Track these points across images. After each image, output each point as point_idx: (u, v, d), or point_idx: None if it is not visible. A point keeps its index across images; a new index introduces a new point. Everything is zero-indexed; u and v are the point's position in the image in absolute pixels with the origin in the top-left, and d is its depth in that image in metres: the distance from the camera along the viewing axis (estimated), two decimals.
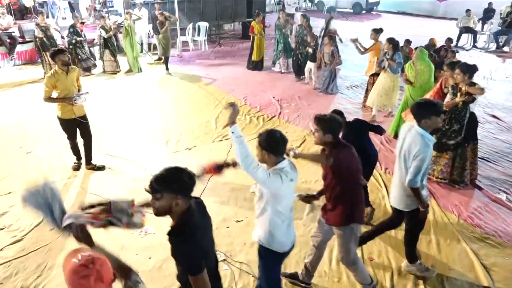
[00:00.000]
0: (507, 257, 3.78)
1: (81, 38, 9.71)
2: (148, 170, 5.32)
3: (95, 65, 10.12)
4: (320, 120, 2.81)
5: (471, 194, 4.84)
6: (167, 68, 10.06)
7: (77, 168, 5.33)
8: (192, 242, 1.93)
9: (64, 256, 1.61)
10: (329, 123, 2.80)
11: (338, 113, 3.47)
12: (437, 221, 4.29)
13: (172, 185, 1.94)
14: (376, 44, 7.69)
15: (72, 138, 5.21)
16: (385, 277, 3.52)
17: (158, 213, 2.03)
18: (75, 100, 4.82)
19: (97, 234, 4.21)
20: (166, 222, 4.53)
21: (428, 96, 5.22)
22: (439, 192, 4.86)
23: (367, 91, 7.42)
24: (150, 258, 3.75)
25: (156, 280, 3.49)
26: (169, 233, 1.98)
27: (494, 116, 7.34)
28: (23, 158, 5.66)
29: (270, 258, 2.71)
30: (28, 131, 6.56)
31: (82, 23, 10.24)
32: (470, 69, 4.57)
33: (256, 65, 10.55)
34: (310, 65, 9.01)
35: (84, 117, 5.10)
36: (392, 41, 6.59)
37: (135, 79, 9.69)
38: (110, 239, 3.96)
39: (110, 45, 9.92)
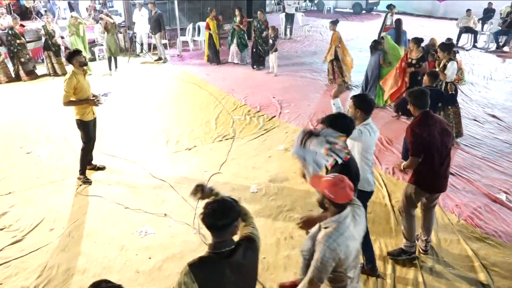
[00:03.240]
0: (507, 257, 3.78)
1: (22, 41, 9.39)
2: (148, 170, 5.33)
3: (35, 67, 9.83)
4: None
5: (471, 194, 4.84)
6: (110, 68, 10.14)
7: (89, 182, 5.02)
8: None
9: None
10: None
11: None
12: (437, 221, 4.29)
13: None
14: (335, 34, 8.87)
15: (91, 142, 5.04)
16: (386, 277, 3.52)
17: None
18: (99, 100, 4.75)
19: (97, 234, 4.22)
20: (166, 222, 4.55)
21: (397, 65, 6.81)
22: None
23: (330, 73, 9.18)
24: (150, 258, 3.75)
25: (156, 280, 3.49)
26: None
27: (494, 116, 7.34)
28: (23, 158, 5.67)
29: (363, 199, 3.05)
30: (28, 131, 6.56)
31: (22, 25, 9.95)
32: (448, 47, 5.94)
33: (212, 59, 10.99)
34: (271, 55, 10.03)
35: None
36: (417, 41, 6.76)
37: (135, 79, 9.69)
38: (110, 239, 3.98)
39: (52, 47, 9.73)
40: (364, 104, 3.22)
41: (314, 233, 2.33)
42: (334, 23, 8.97)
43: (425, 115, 3.42)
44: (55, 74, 9.83)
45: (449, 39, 10.77)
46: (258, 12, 10.62)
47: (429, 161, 3.38)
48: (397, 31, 9.40)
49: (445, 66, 5.74)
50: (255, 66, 10.69)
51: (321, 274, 2.16)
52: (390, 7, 11.21)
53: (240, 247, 1.95)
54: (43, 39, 9.78)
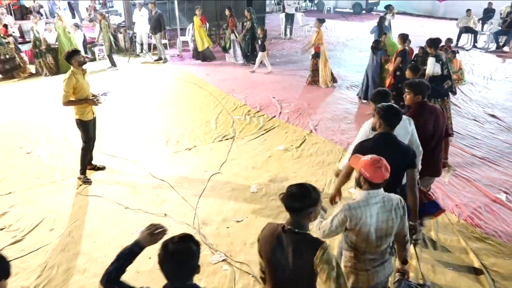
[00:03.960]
0: (507, 257, 3.78)
1: (6, 40, 9.42)
2: (148, 170, 5.32)
3: (15, 68, 9.74)
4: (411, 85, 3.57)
5: (471, 194, 4.84)
6: (113, 64, 10.53)
7: (89, 182, 5.04)
8: None
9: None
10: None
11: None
12: (437, 221, 4.29)
13: None
14: (320, 32, 8.94)
15: (90, 141, 5.04)
16: None
17: None
18: (98, 100, 4.75)
19: (97, 234, 4.22)
20: (166, 222, 4.53)
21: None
22: (439, 192, 4.86)
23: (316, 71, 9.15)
24: (150, 258, 3.74)
25: (156, 280, 3.47)
26: None
27: (494, 116, 7.34)
28: (23, 158, 5.67)
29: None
30: (28, 131, 6.56)
31: (5, 26, 9.88)
32: (434, 43, 6.13)
33: (200, 56, 11.20)
34: (260, 54, 10.17)
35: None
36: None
37: (135, 79, 9.68)
38: (110, 239, 3.97)
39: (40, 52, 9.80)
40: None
41: None
42: (321, 21, 9.10)
43: (422, 105, 3.58)
44: (51, 72, 9.89)
45: (449, 39, 10.82)
46: (245, 10, 10.83)
47: (424, 147, 3.47)
48: (380, 27, 9.76)
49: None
50: (247, 63, 10.99)
51: (326, 228, 2.42)
52: (389, 7, 11.18)
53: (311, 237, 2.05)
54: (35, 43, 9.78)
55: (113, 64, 10.51)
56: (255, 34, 10.64)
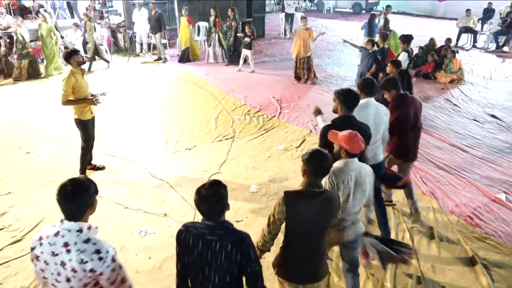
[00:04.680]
0: (507, 257, 3.78)
1: None
2: (148, 170, 5.32)
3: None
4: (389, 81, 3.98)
5: (471, 194, 4.84)
6: (89, 69, 10.16)
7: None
8: None
9: None
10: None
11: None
12: (437, 221, 4.29)
13: None
14: (310, 30, 9.28)
15: (90, 140, 5.05)
16: (385, 276, 3.52)
17: None
18: (97, 99, 4.75)
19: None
20: (166, 222, 4.55)
21: None
22: (439, 192, 4.86)
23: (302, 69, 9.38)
24: (150, 258, 3.75)
25: (156, 280, 3.49)
26: None
27: (494, 116, 7.34)
28: (23, 158, 5.66)
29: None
30: (28, 131, 6.55)
31: None
32: (407, 39, 6.57)
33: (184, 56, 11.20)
34: (246, 52, 10.19)
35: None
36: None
37: (134, 79, 9.68)
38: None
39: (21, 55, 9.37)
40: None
41: None
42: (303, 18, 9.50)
43: (401, 97, 3.94)
44: (28, 76, 9.46)
45: (449, 39, 10.85)
46: (229, 10, 10.82)
47: (403, 135, 3.91)
48: (370, 24, 10.28)
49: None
50: (229, 64, 10.99)
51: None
52: (388, 8, 11.17)
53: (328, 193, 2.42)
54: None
55: (89, 69, 10.18)
56: (236, 35, 10.67)
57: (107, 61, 10.78)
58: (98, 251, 1.84)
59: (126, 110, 7.58)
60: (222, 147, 6.04)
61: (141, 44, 11.91)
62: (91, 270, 1.82)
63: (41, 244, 1.90)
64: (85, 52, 10.83)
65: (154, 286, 3.43)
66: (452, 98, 8.34)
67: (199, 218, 2.08)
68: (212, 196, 2.03)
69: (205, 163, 5.52)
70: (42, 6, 12.98)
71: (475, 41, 13.62)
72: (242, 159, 5.64)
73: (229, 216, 4.36)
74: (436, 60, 9.84)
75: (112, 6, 14.14)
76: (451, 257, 3.77)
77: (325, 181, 2.66)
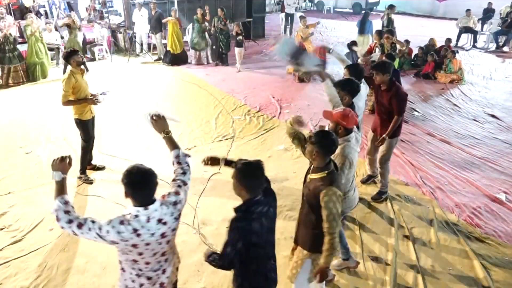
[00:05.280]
0: (507, 257, 3.78)
1: None
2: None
3: None
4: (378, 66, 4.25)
5: (471, 194, 4.84)
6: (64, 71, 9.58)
7: (90, 181, 5.05)
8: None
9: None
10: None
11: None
12: (437, 221, 4.29)
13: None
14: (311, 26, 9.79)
15: (91, 140, 5.05)
16: (385, 274, 3.52)
17: None
18: (97, 99, 4.74)
19: None
20: None
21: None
22: (439, 192, 4.86)
23: None
24: None
25: None
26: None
27: (494, 116, 7.34)
28: (23, 158, 5.66)
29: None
30: (28, 131, 6.55)
31: None
32: (393, 33, 7.96)
33: (176, 59, 10.95)
34: (238, 50, 10.30)
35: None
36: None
37: (134, 79, 9.68)
38: None
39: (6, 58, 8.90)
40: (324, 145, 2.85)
41: None
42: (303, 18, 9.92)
43: (391, 82, 4.21)
44: (7, 83, 8.96)
45: (449, 39, 10.84)
46: (218, 10, 10.81)
47: (389, 115, 4.30)
48: (362, 22, 10.78)
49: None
50: (218, 63, 10.97)
51: (344, 186, 2.92)
52: (391, 7, 11.11)
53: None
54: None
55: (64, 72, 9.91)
56: (228, 32, 10.75)
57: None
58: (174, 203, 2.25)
59: (126, 110, 7.58)
60: (222, 147, 6.04)
61: (141, 44, 11.90)
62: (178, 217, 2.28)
63: (138, 235, 2.06)
64: (85, 52, 10.82)
65: None
66: (452, 98, 8.34)
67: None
68: (262, 170, 2.27)
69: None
70: (42, 6, 12.98)
71: (475, 41, 13.62)
72: None
73: (229, 216, 4.36)
74: (436, 60, 9.84)
75: (112, 6, 14.13)
76: (451, 257, 3.77)
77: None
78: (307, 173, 2.74)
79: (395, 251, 3.82)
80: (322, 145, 2.49)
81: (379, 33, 8.29)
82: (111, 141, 6.20)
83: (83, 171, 5.05)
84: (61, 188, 2.21)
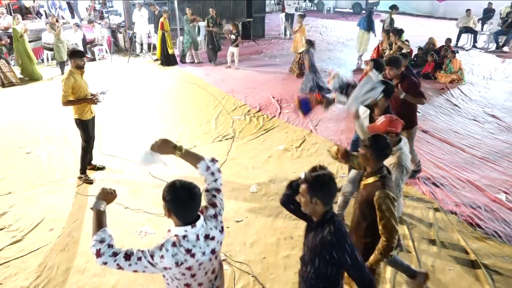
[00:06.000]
0: (507, 257, 3.78)
1: None
2: (148, 170, 5.32)
3: None
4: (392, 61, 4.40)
5: (471, 194, 4.84)
6: (62, 73, 9.67)
7: (91, 181, 5.04)
8: None
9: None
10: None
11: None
12: (437, 221, 4.29)
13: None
14: (303, 27, 9.83)
15: (91, 140, 5.05)
16: (385, 273, 3.52)
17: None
18: (97, 98, 4.73)
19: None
20: (166, 222, 4.53)
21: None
22: (439, 192, 4.86)
23: (296, 63, 9.82)
24: None
25: (156, 280, 3.49)
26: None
27: (494, 116, 7.34)
28: (23, 158, 5.66)
29: None
30: (28, 131, 6.55)
31: None
32: (399, 32, 7.58)
33: (170, 60, 10.95)
34: (232, 49, 10.44)
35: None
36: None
37: (134, 79, 9.68)
38: None
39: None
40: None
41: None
42: (302, 16, 10.09)
43: (403, 75, 4.49)
44: (9, 83, 9.01)
45: (449, 39, 10.84)
46: (210, 9, 10.96)
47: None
48: (370, 19, 10.76)
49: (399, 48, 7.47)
50: (213, 62, 11.03)
51: (397, 192, 2.82)
52: (395, 7, 10.98)
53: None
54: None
55: (57, 68, 10.02)
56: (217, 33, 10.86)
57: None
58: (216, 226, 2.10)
59: (126, 110, 7.58)
60: (222, 147, 6.04)
61: (141, 44, 11.91)
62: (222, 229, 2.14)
63: (192, 256, 1.95)
64: (86, 52, 10.82)
65: (154, 286, 3.43)
66: (452, 98, 8.34)
67: None
68: (334, 180, 2.08)
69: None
70: (42, 6, 12.99)
71: (475, 41, 13.62)
72: (242, 159, 5.64)
73: (229, 216, 4.38)
74: (436, 60, 9.84)
75: (112, 6, 14.15)
76: (451, 257, 3.77)
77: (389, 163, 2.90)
78: (360, 180, 2.80)
79: (395, 251, 3.82)
80: (376, 148, 2.55)
81: (388, 32, 8.12)
82: (111, 141, 6.20)
83: (83, 171, 5.06)
84: (101, 220, 2.10)
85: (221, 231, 2.11)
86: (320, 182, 2.03)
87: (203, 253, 1.98)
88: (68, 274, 3.56)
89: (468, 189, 4.93)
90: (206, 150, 5.94)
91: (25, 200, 4.65)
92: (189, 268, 1.96)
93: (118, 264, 1.88)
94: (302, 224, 4.16)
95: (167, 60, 10.91)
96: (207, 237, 2.00)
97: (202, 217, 2.02)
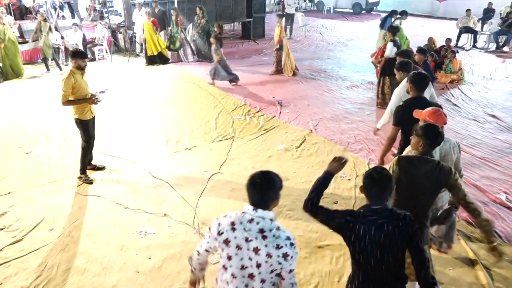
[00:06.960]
0: (507, 257, 3.78)
1: None
2: (148, 170, 5.32)
3: None
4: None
5: (471, 194, 4.82)
6: (48, 69, 10.13)
7: (90, 181, 5.03)
8: None
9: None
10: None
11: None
12: None
13: None
14: (281, 26, 9.86)
15: (91, 140, 5.04)
16: None
17: None
18: (97, 98, 4.73)
19: (97, 234, 4.22)
20: (166, 222, 4.54)
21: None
22: None
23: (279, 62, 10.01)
24: (150, 258, 3.74)
25: (156, 280, 3.49)
26: None
27: (494, 116, 7.34)
28: (23, 158, 5.66)
29: None
30: (28, 131, 6.55)
31: None
32: (394, 30, 7.44)
33: (155, 60, 10.95)
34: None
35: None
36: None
37: (134, 79, 9.68)
38: (110, 239, 3.97)
39: None
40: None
41: None
42: (280, 16, 10.14)
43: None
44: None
45: (449, 39, 10.83)
46: (197, 8, 10.92)
47: None
48: (386, 20, 10.68)
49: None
50: (201, 60, 11.21)
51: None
52: (405, 13, 10.77)
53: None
54: None
55: (57, 68, 10.12)
56: (209, 31, 10.79)
57: (60, 68, 10.27)
58: (288, 238, 1.96)
59: (126, 110, 7.58)
60: (222, 147, 6.04)
61: (141, 44, 11.90)
62: (285, 255, 1.92)
63: (233, 230, 1.98)
64: (86, 52, 10.81)
65: (154, 286, 3.43)
66: (452, 98, 8.34)
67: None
68: (385, 179, 2.11)
69: (205, 163, 5.52)
70: (42, 6, 12.99)
71: (475, 41, 13.62)
72: (242, 159, 5.64)
73: None
74: (436, 60, 9.83)
75: (112, 6, 14.14)
76: (451, 257, 3.77)
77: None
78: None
79: None
80: (428, 136, 2.60)
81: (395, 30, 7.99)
82: (111, 141, 6.20)
83: (83, 171, 5.05)
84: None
85: (278, 248, 1.93)
86: (374, 178, 2.16)
87: (246, 239, 1.95)
88: (68, 274, 3.56)
89: (468, 189, 4.91)
90: (206, 150, 5.94)
91: (25, 200, 4.64)
92: (226, 242, 1.99)
93: (197, 251, 2.31)
94: (302, 224, 4.17)
95: (160, 58, 11.01)
96: (247, 239, 1.97)
97: (266, 213, 2.01)
